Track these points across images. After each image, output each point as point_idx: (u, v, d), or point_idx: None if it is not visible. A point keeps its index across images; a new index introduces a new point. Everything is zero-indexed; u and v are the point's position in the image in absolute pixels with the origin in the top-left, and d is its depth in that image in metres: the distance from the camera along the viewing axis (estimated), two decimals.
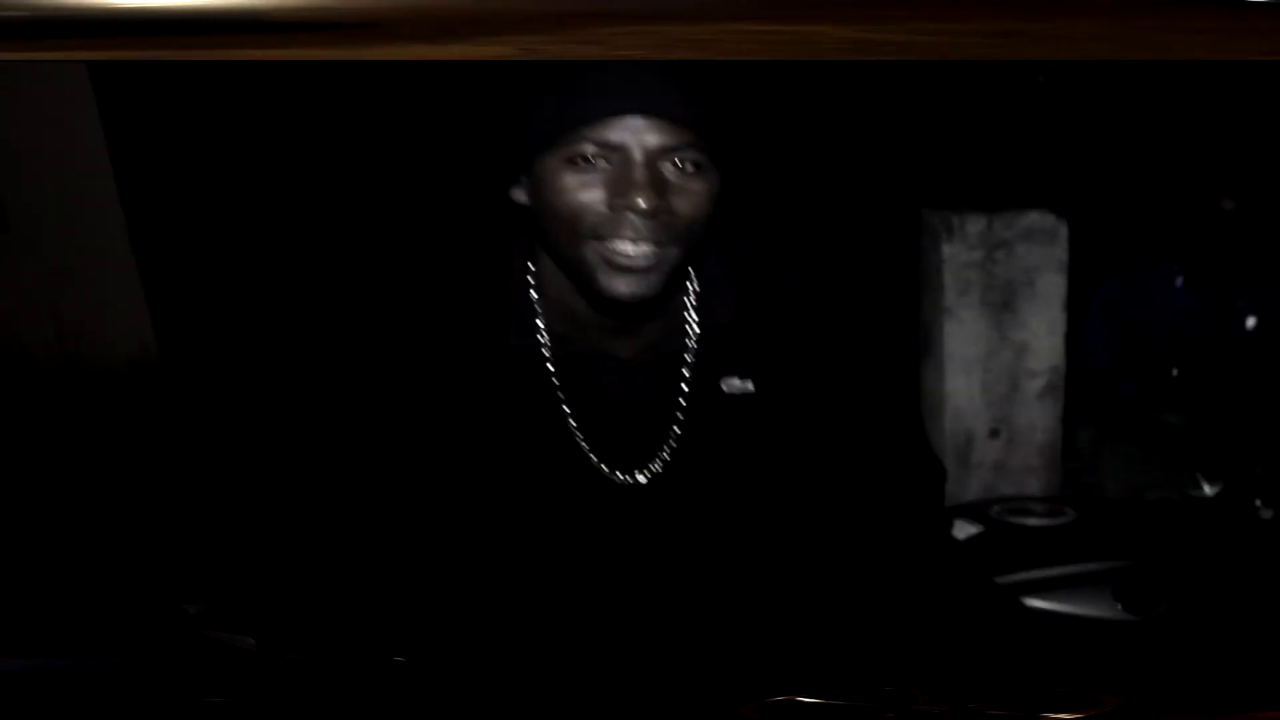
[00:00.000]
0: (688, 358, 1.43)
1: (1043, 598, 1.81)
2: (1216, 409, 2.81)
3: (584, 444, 1.48)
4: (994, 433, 2.89)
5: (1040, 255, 2.77)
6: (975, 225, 2.76)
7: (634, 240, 1.27)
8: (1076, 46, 0.91)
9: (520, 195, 1.42)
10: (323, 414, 1.67)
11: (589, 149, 1.28)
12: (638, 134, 1.27)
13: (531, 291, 1.48)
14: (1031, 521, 2.00)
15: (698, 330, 1.43)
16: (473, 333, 1.49)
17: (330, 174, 3.49)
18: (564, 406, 1.47)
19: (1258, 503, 2.10)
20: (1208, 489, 2.19)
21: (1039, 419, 2.93)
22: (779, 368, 1.44)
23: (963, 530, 1.90)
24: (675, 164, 1.28)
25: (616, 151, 1.28)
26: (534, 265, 1.48)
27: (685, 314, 1.44)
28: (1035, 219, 2.75)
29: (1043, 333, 2.84)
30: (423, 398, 1.51)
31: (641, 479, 1.47)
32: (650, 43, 0.88)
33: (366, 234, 3.38)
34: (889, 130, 3.00)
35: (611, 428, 1.46)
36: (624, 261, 1.29)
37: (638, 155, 1.27)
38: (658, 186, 1.27)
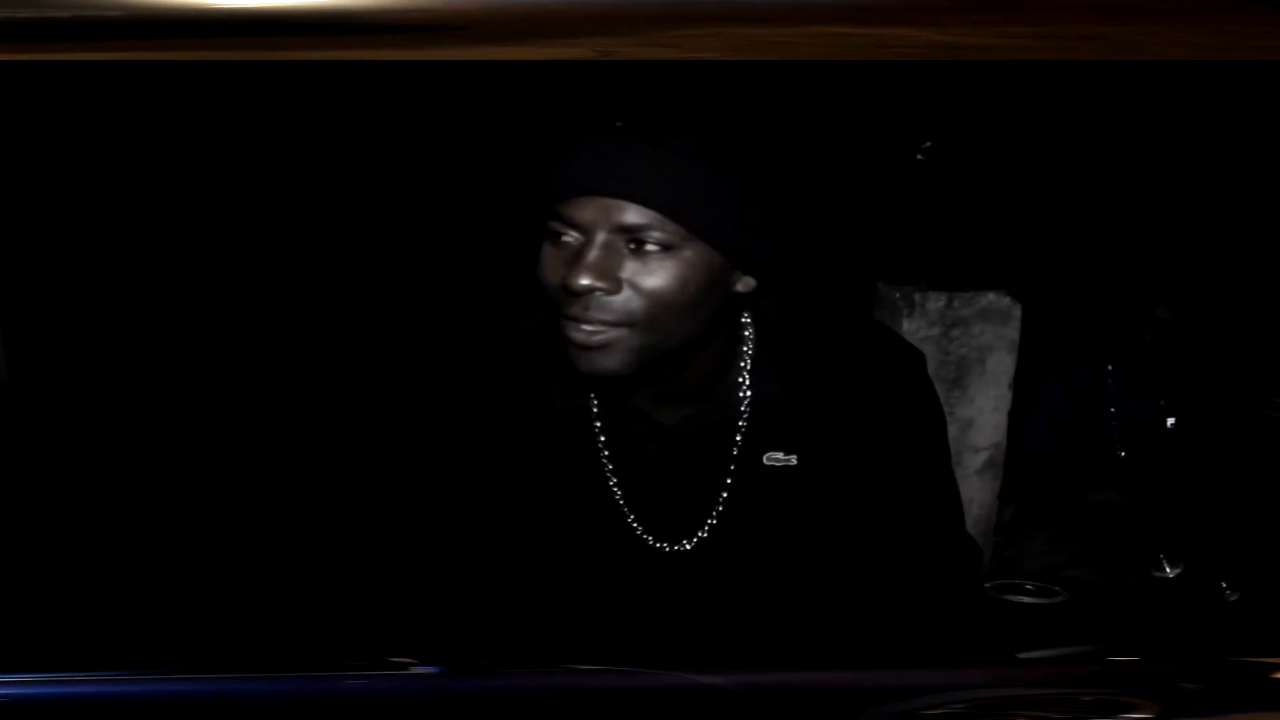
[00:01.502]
0: (736, 431, 1.42)
1: None
2: (1155, 495, 2.95)
3: (626, 510, 1.45)
4: None
5: (994, 335, 2.85)
6: (935, 302, 2.82)
7: (576, 320, 1.27)
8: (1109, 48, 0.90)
9: None
10: (364, 461, 1.60)
11: (558, 225, 1.28)
12: (599, 213, 1.25)
13: None
14: (1027, 600, 2.04)
15: (747, 405, 1.43)
16: (522, 390, 1.45)
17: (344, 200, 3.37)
18: (608, 469, 1.44)
19: (1223, 585, 2.19)
20: (1169, 571, 2.28)
21: (977, 493, 3.00)
22: (822, 443, 1.44)
23: None
24: (637, 244, 1.26)
25: (578, 229, 1.27)
26: None
27: (735, 387, 1.43)
28: (992, 300, 2.84)
29: (988, 409, 2.92)
30: (468, 454, 1.46)
31: (682, 548, 1.45)
32: (725, 45, 0.88)
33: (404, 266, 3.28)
34: (848, 204, 3.06)
35: (654, 495, 1.44)
36: (579, 339, 1.28)
37: (598, 235, 1.26)
38: (603, 267, 1.25)
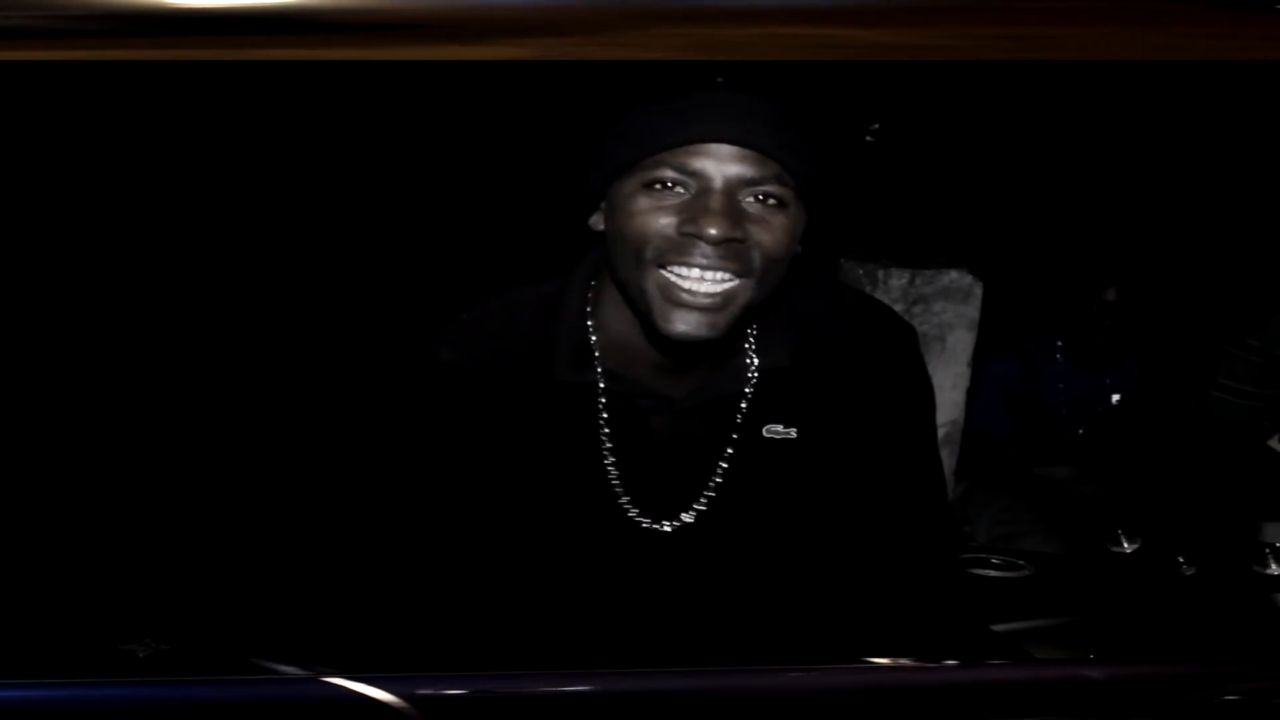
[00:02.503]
0: (742, 403, 1.41)
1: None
2: (1105, 470, 3.01)
3: (618, 487, 1.43)
4: None
5: (954, 313, 2.88)
6: (899, 279, 2.84)
7: (700, 269, 1.24)
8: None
9: (598, 221, 1.37)
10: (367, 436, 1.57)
11: (668, 174, 1.25)
12: (720, 162, 1.24)
13: (589, 325, 1.42)
14: (993, 574, 2.07)
15: (755, 374, 1.42)
16: (519, 363, 1.43)
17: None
18: (605, 447, 1.42)
19: (1180, 560, 2.24)
20: (1127, 546, 2.32)
21: None
22: (821, 415, 1.44)
23: None
24: (756, 198, 1.25)
25: (695, 178, 1.24)
26: (595, 299, 1.43)
27: (742, 357, 1.42)
28: (954, 277, 2.87)
29: (946, 386, 2.95)
30: (459, 432, 1.43)
31: (668, 528, 1.43)
32: (683, 45, 0.87)
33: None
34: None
35: (651, 470, 1.43)
36: (686, 298, 1.25)
37: (717, 183, 1.24)
38: (732, 216, 1.23)
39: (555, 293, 1.45)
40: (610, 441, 1.43)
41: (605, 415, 1.42)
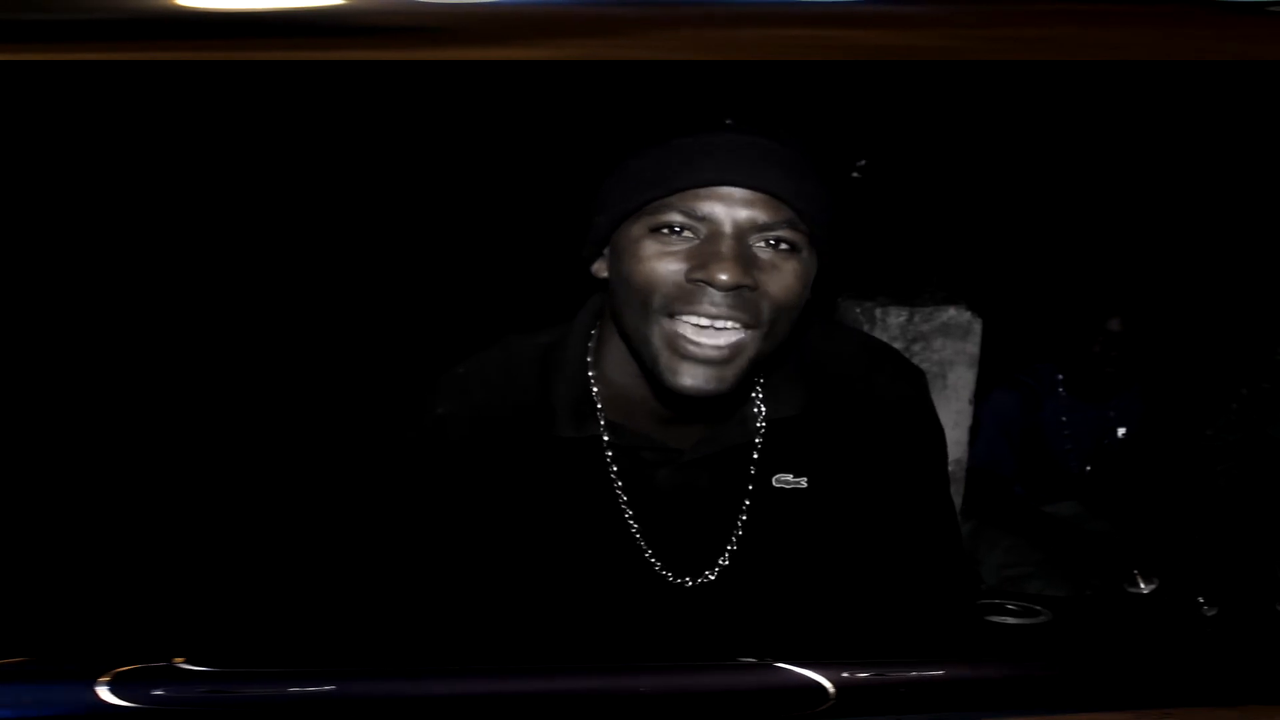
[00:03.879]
0: (753, 453, 1.36)
1: None
2: (1112, 506, 2.95)
3: (642, 543, 1.37)
4: None
5: (954, 350, 2.83)
6: (897, 317, 2.79)
7: (710, 317, 1.18)
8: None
9: (601, 269, 1.31)
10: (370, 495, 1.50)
11: (676, 218, 1.18)
12: (731, 206, 1.17)
13: (590, 377, 1.37)
14: (1011, 620, 2.00)
15: (763, 424, 1.36)
16: (525, 418, 1.37)
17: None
18: (622, 501, 1.36)
19: (1200, 600, 2.18)
20: (1144, 587, 2.26)
21: None
22: (831, 463, 1.38)
23: None
24: (768, 243, 1.19)
25: (704, 222, 1.18)
26: (597, 349, 1.38)
27: (750, 406, 1.36)
28: (953, 314, 2.81)
29: (949, 425, 2.87)
30: (463, 482, 1.37)
31: (704, 581, 1.38)
32: (683, 46, 0.82)
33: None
34: None
35: (669, 525, 1.37)
36: (693, 350, 1.18)
37: (727, 228, 1.17)
38: (743, 262, 1.17)
39: (554, 343, 1.40)
40: (625, 496, 1.37)
41: (615, 470, 1.35)
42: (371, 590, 1.43)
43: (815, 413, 1.38)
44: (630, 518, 1.36)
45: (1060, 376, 3.07)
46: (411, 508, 1.39)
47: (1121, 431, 3.10)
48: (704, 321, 1.18)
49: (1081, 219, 3.30)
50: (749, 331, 1.20)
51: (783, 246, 1.20)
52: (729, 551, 1.37)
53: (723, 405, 1.33)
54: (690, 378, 1.20)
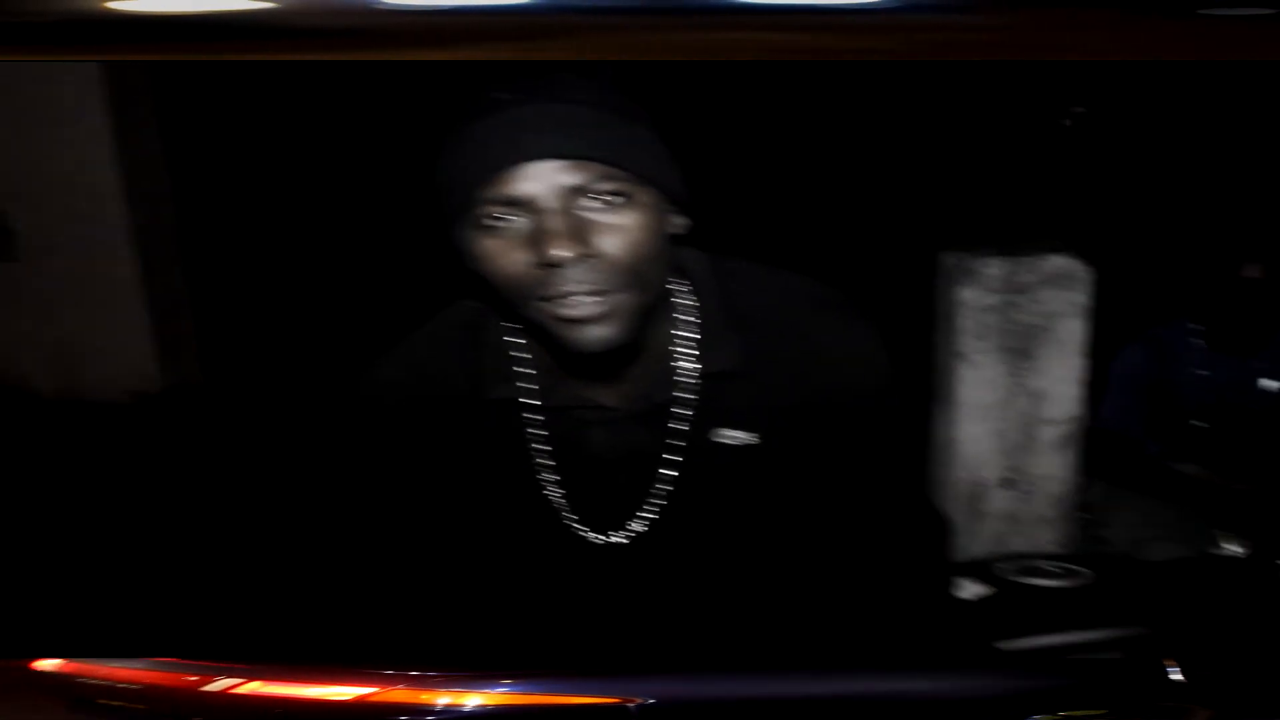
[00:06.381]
0: (685, 408, 1.34)
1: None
2: (1242, 467, 2.73)
3: (560, 499, 1.39)
4: (1007, 482, 2.80)
5: (1061, 301, 2.68)
6: (995, 269, 2.67)
7: (566, 296, 1.18)
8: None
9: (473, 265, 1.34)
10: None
11: (496, 209, 1.18)
12: (539, 181, 1.16)
13: (511, 341, 1.41)
14: (1044, 582, 1.90)
15: (693, 378, 1.35)
16: (458, 382, 1.40)
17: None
18: (540, 461, 1.38)
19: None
20: (1236, 548, 2.10)
21: (1054, 469, 2.83)
22: (776, 415, 1.34)
23: (970, 590, 1.80)
24: (597, 201, 1.18)
25: (523, 206, 1.18)
26: None
27: (678, 360, 1.35)
28: (1058, 264, 2.67)
29: (1061, 380, 2.75)
30: (398, 442, 1.43)
31: (619, 538, 1.38)
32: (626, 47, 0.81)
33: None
34: (904, 164, 2.92)
35: (597, 481, 1.37)
36: (573, 314, 1.19)
37: (547, 203, 1.17)
38: (574, 233, 1.16)
39: (482, 308, 1.44)
40: (549, 456, 1.41)
41: (540, 430, 1.39)
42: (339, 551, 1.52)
43: (758, 365, 1.37)
44: (550, 474, 1.39)
45: (1198, 329, 2.85)
46: (349, 469, 1.47)
47: (1270, 384, 2.85)
48: (566, 299, 1.20)
49: (1200, 160, 3.02)
50: (613, 295, 1.20)
51: (611, 199, 1.19)
52: (651, 508, 1.37)
53: (639, 357, 1.34)
54: (582, 338, 1.22)
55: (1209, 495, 2.69)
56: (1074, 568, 1.89)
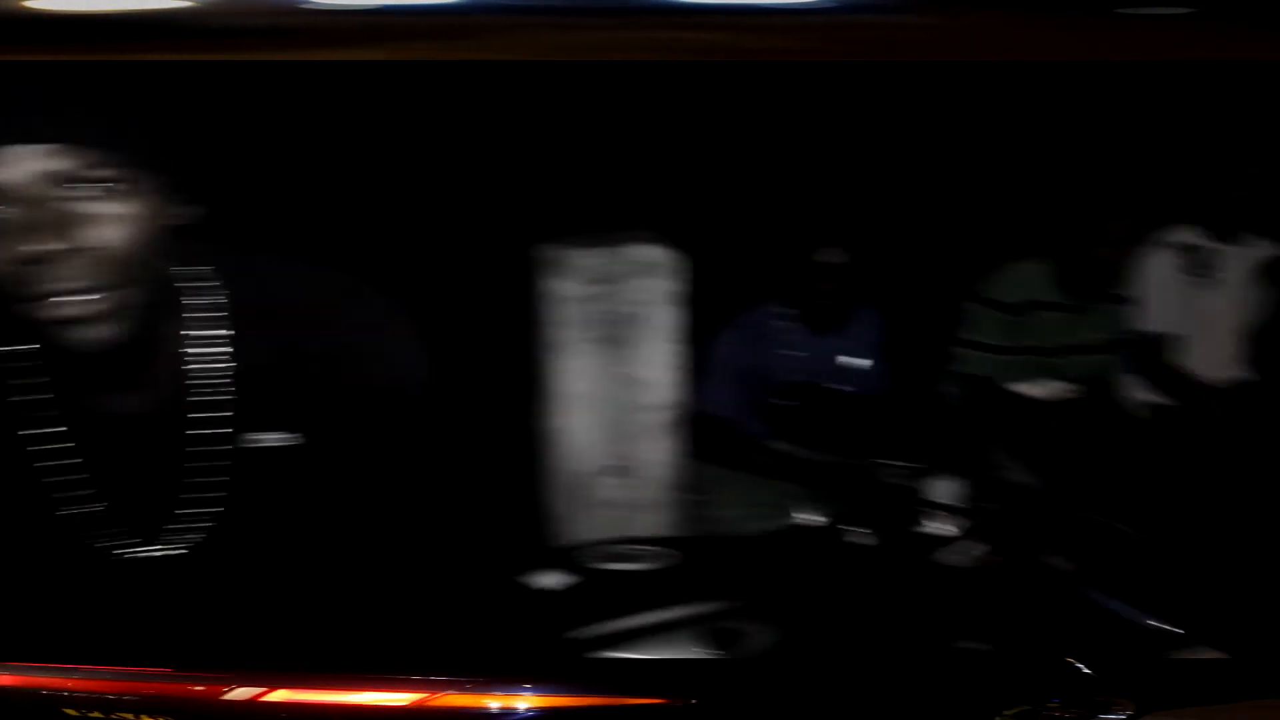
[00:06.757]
0: (217, 410, 1.28)
1: (634, 648, 1.73)
2: (826, 442, 2.88)
3: (91, 511, 1.30)
4: (613, 469, 2.83)
5: (651, 289, 2.74)
6: (585, 259, 2.70)
7: (61, 294, 1.10)
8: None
9: None
10: None
11: None
12: (18, 167, 1.08)
13: (19, 349, 1.30)
14: (630, 567, 1.91)
15: (217, 377, 1.28)
16: None
17: None
18: (71, 467, 1.28)
19: (852, 529, 2.12)
20: (819, 518, 2.20)
21: (658, 455, 2.90)
22: (320, 415, 1.31)
23: (550, 580, 1.78)
24: (78, 190, 1.11)
25: (7, 195, 1.09)
26: None
27: (198, 359, 1.28)
28: (646, 252, 2.72)
29: (659, 367, 2.82)
30: None
31: (155, 551, 1.31)
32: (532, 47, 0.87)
33: None
34: (492, 159, 2.91)
35: (126, 491, 1.29)
36: (63, 314, 1.12)
37: (22, 190, 1.09)
38: (50, 225, 1.09)
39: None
40: (76, 470, 1.29)
41: (64, 429, 1.28)
42: None
43: (294, 362, 1.29)
44: (79, 489, 1.29)
45: (783, 312, 2.99)
46: None
47: (850, 362, 3.03)
48: (61, 299, 1.11)
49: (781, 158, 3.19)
50: (100, 295, 1.13)
51: (95, 189, 1.11)
52: (188, 515, 1.30)
53: (148, 358, 1.25)
54: (90, 337, 1.14)
55: (799, 470, 2.81)
56: (658, 549, 1.91)
